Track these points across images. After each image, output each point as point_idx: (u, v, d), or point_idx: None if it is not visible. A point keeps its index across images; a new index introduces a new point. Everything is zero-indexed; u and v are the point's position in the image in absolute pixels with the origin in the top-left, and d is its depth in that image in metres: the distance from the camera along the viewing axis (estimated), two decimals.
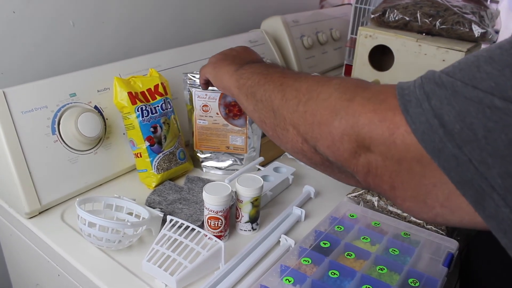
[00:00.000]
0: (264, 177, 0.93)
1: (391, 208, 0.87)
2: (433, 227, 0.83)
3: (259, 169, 0.98)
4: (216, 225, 0.77)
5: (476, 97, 0.35)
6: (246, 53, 0.82)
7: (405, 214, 0.85)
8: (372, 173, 0.44)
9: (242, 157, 1.00)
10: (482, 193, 0.34)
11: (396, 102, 0.40)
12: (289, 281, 0.67)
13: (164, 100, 0.94)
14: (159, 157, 0.92)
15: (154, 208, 0.83)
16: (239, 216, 0.81)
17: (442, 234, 0.81)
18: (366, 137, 0.42)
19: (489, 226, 0.35)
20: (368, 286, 0.67)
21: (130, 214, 0.81)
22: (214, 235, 0.75)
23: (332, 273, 0.69)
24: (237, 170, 0.96)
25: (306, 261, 0.71)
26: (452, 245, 0.77)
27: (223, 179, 0.83)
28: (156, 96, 0.93)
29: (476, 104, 0.34)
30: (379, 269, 0.71)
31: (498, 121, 0.33)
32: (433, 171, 0.38)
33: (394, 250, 0.75)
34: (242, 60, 0.75)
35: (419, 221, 0.83)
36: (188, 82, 0.96)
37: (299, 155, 0.55)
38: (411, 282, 0.68)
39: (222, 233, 0.78)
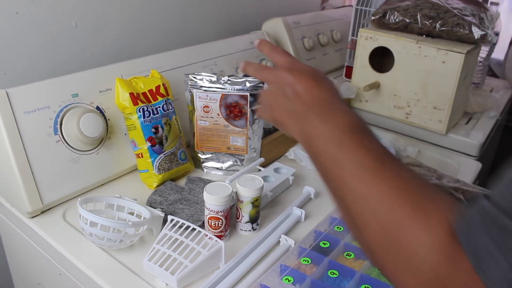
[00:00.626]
0: (265, 178, 0.94)
1: None
2: None
3: (259, 169, 0.99)
4: (216, 225, 0.78)
5: None
6: (314, 85, 0.56)
7: None
8: None
9: (242, 157, 1.01)
10: None
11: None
12: (289, 281, 0.68)
13: (165, 101, 0.95)
14: (160, 157, 0.93)
15: (155, 208, 0.83)
16: (239, 216, 0.82)
17: None
18: None
19: None
20: (367, 285, 0.67)
21: (132, 214, 0.82)
22: (215, 235, 0.76)
23: (332, 273, 0.70)
24: (237, 170, 0.97)
25: (305, 261, 0.72)
26: None
27: (224, 180, 0.84)
28: (158, 97, 0.94)
29: None
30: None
31: None
32: None
33: None
34: (309, 95, 0.56)
35: None
36: (189, 83, 0.97)
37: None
38: None
39: (222, 233, 0.79)
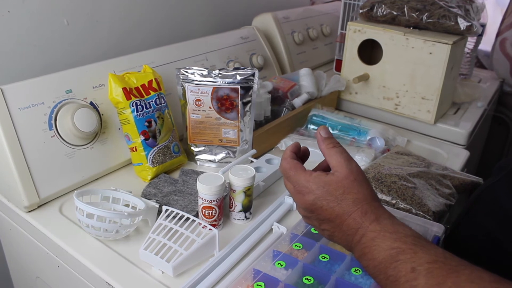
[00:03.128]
0: (257, 169, 0.96)
1: (380, 196, 0.90)
2: (420, 213, 0.85)
3: (251, 161, 1.01)
4: (210, 214, 0.80)
5: None
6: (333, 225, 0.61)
7: (393, 202, 0.88)
8: None
9: (235, 149, 1.03)
10: None
11: None
12: (281, 265, 0.70)
13: (158, 95, 0.96)
14: (154, 150, 0.94)
15: (150, 200, 0.85)
16: (232, 205, 0.83)
17: (429, 219, 0.84)
18: None
19: None
20: (357, 268, 0.69)
21: (127, 206, 0.84)
22: (209, 224, 0.78)
23: (323, 257, 0.72)
24: (230, 162, 0.99)
25: (297, 246, 0.74)
26: (438, 229, 0.80)
27: (217, 172, 0.86)
28: (150, 91, 0.96)
29: None
30: None
31: None
32: None
33: None
34: (337, 236, 0.61)
35: (407, 208, 0.86)
36: (181, 77, 0.98)
37: None
38: None
39: (216, 222, 0.81)
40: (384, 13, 1.30)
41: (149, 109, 0.94)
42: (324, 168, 0.66)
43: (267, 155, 1.04)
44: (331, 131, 1.17)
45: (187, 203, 0.87)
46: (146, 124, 0.93)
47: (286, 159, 0.64)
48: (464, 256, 0.52)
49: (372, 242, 0.55)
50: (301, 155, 0.68)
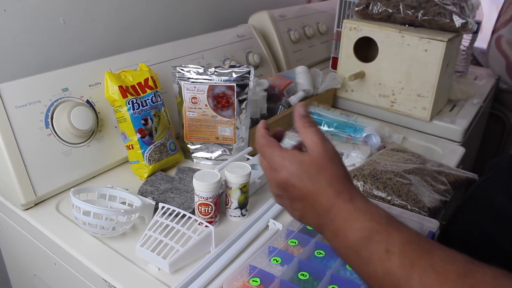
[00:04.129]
0: (253, 166, 0.96)
1: (376, 193, 0.90)
2: (415, 209, 0.86)
3: (248, 158, 1.01)
4: (206, 211, 0.80)
5: None
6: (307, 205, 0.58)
7: (389, 198, 0.89)
8: None
9: (231, 147, 1.03)
10: None
11: None
12: (277, 261, 0.70)
13: (154, 93, 0.97)
14: (150, 148, 0.95)
15: (146, 197, 0.85)
16: (228, 202, 0.84)
17: (424, 215, 0.85)
18: None
19: None
20: None
21: (124, 203, 0.84)
22: (205, 221, 0.78)
23: (318, 253, 0.72)
24: (226, 160, 0.99)
25: (293, 242, 0.74)
26: (433, 224, 0.80)
27: (213, 169, 0.86)
28: (146, 89, 0.96)
29: None
30: None
31: None
32: None
33: None
34: (309, 215, 0.59)
35: (403, 204, 0.87)
36: (177, 75, 0.99)
37: None
38: None
39: (212, 219, 0.81)
40: (380, 10, 1.30)
41: (146, 107, 0.94)
42: (300, 148, 0.65)
43: None
44: (327, 129, 1.18)
45: (183, 201, 0.88)
46: (143, 122, 0.94)
47: (263, 136, 0.62)
48: (459, 251, 0.52)
49: (345, 223, 0.54)
50: (278, 136, 0.66)
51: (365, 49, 1.36)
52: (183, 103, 1.00)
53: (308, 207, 0.57)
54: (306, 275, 0.68)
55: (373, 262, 0.50)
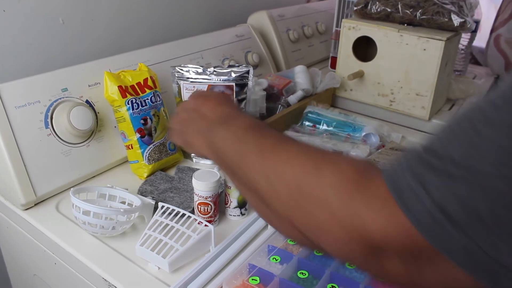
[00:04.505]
0: None
1: None
2: None
3: None
4: (206, 211, 0.80)
5: (477, 182, 0.33)
6: (217, 104, 0.66)
7: None
8: (390, 274, 0.41)
9: None
10: (497, 275, 0.34)
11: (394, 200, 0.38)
12: (276, 260, 0.70)
13: (153, 93, 0.97)
14: (150, 148, 0.95)
15: (146, 197, 0.86)
16: (228, 202, 0.84)
17: None
18: (376, 239, 0.39)
19: None
20: None
21: (123, 203, 0.84)
22: (204, 220, 0.79)
23: (318, 251, 0.73)
24: None
25: (292, 241, 0.74)
26: None
27: (213, 168, 0.86)
28: (146, 89, 0.96)
29: (479, 188, 0.33)
30: None
31: (506, 205, 0.33)
32: (450, 265, 0.36)
33: None
34: (213, 113, 0.64)
35: None
36: (176, 75, 0.99)
37: (294, 240, 0.51)
38: None
39: (212, 218, 0.81)
40: (378, 10, 1.30)
41: (145, 107, 0.95)
42: None
43: None
44: (326, 128, 1.19)
45: (183, 200, 0.88)
46: (142, 121, 0.94)
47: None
48: None
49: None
50: None
51: (364, 49, 1.37)
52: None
53: (212, 111, 0.64)
54: (305, 274, 0.68)
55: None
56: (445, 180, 0.35)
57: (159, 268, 0.72)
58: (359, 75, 1.33)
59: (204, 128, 0.61)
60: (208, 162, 1.04)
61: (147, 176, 0.96)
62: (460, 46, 1.56)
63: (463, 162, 0.34)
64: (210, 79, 0.97)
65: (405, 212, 0.36)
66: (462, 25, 1.22)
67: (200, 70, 0.98)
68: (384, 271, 0.41)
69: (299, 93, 1.27)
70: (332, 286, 0.65)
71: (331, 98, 1.43)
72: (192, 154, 1.04)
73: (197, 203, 0.80)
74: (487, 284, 0.35)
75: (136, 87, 0.96)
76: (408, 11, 1.26)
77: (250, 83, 0.99)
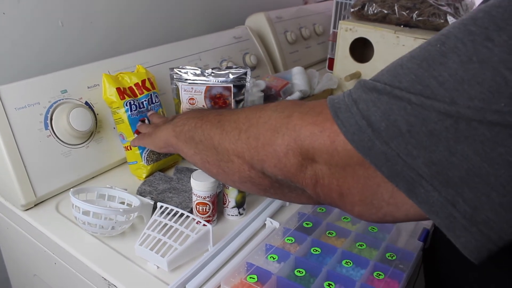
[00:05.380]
0: None
1: None
2: None
3: None
4: (204, 210, 0.81)
5: (396, 96, 0.38)
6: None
7: None
8: (320, 183, 0.46)
9: None
10: (412, 183, 0.38)
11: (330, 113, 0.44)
12: (274, 259, 0.71)
13: (151, 94, 0.98)
14: (148, 149, 0.96)
15: (145, 197, 0.87)
16: (226, 201, 0.85)
17: None
18: (309, 149, 0.44)
19: (423, 211, 0.38)
20: (348, 260, 0.71)
21: (122, 203, 0.85)
22: (203, 220, 0.79)
23: (314, 250, 0.73)
24: None
25: (289, 240, 0.75)
26: (428, 222, 0.81)
27: None
28: (144, 90, 0.97)
29: (398, 102, 0.38)
30: (358, 246, 0.75)
31: (417, 116, 0.37)
32: (374, 172, 0.40)
33: (373, 228, 0.80)
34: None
35: None
36: (174, 76, 1.00)
37: (247, 184, 0.56)
38: (388, 256, 0.73)
39: (210, 218, 0.82)
40: (375, 11, 1.32)
41: (143, 108, 0.96)
42: None
43: None
44: None
45: (181, 200, 0.89)
46: (140, 123, 0.95)
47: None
48: (453, 248, 0.53)
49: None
50: None
51: (361, 50, 1.38)
52: (180, 104, 1.01)
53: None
54: (302, 272, 0.69)
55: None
56: (373, 96, 0.40)
57: (158, 267, 0.73)
58: (356, 76, 1.35)
59: (167, 124, 0.72)
60: None
61: (146, 177, 0.96)
62: None
63: (388, 82, 0.40)
64: (208, 81, 0.98)
65: (336, 121, 0.42)
66: None
67: (198, 72, 0.99)
68: (313, 180, 0.46)
69: (296, 94, 1.27)
70: (329, 284, 0.66)
71: None
72: None
73: (195, 203, 0.81)
74: (404, 190, 0.39)
75: (134, 88, 0.97)
76: (404, 13, 1.27)
77: (248, 85, 1.00)
